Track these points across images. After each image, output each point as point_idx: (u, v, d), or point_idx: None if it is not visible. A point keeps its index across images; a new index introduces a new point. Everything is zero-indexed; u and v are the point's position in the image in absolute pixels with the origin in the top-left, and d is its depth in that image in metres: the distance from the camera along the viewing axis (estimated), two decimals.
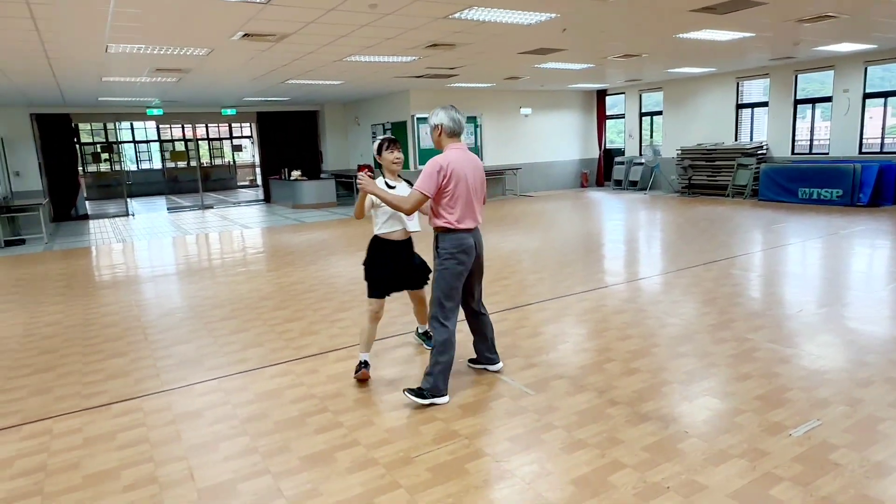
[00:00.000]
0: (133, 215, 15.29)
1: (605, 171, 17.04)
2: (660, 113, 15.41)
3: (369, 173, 3.42)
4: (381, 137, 3.82)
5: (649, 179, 15.28)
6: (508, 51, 8.85)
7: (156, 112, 15.20)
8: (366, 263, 3.80)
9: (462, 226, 3.33)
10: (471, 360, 3.90)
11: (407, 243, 3.84)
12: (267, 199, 17.28)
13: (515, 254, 7.80)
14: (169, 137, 23.45)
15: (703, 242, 7.97)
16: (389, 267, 3.75)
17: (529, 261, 7.32)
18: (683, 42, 8.72)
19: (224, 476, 2.74)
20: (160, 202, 19.12)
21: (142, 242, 10.63)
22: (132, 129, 22.75)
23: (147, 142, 23.43)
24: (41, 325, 5.43)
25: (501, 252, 7.94)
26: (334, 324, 5.03)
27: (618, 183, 16.20)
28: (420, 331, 4.41)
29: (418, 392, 3.35)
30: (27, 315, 5.79)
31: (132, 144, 23.17)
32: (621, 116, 16.71)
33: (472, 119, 14.98)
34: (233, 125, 23.28)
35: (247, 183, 24.41)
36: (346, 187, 16.51)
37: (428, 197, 3.27)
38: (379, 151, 3.76)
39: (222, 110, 16.14)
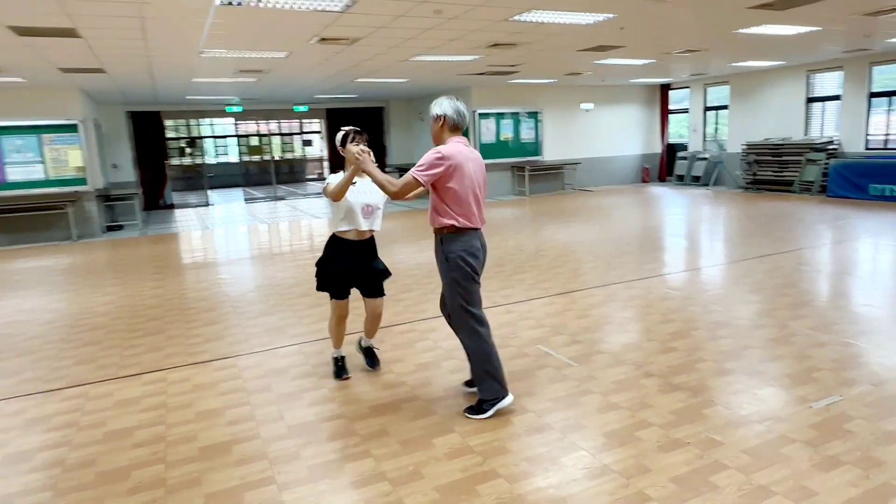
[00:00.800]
0: (212, 205, 16.47)
1: (667, 166, 16.90)
2: (725, 107, 15.16)
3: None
4: (346, 128, 3.50)
5: (713, 175, 15.08)
6: (568, 48, 9.12)
7: (235, 109, 16.31)
8: (319, 263, 3.65)
9: (470, 225, 3.11)
10: (466, 382, 3.54)
11: (367, 243, 3.64)
12: None
13: (570, 245, 8.11)
14: (245, 133, 24.85)
15: (762, 237, 8.00)
16: (346, 266, 3.58)
17: (583, 251, 7.62)
18: (746, 37, 8.72)
19: (308, 417, 3.28)
20: (237, 193, 20.39)
21: (222, 229, 11.58)
22: (212, 125, 24.27)
23: (225, 137, 24.93)
24: (146, 297, 6.23)
25: (556, 243, 8.26)
26: (398, 303, 5.54)
27: (680, 178, 16.05)
28: (364, 344, 3.95)
29: (478, 409, 3.19)
30: (133, 290, 6.63)
31: (212, 139, 24.72)
32: (685, 111, 16.51)
33: (533, 114, 15.24)
34: (303, 121, 24.40)
35: (315, 176, 25.52)
36: None
37: (420, 184, 3.05)
38: (343, 143, 3.45)
39: (295, 107, 17.09)
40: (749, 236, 8.13)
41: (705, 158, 15.28)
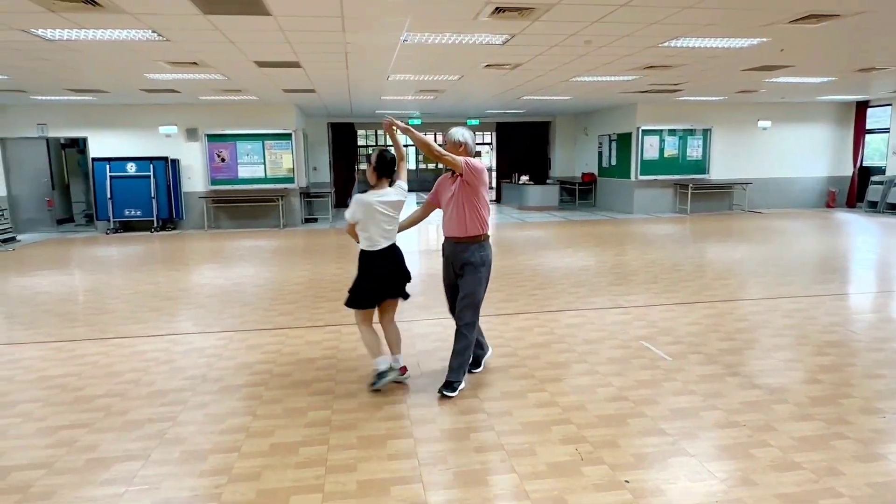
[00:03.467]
0: None
1: (858, 191, 15.38)
2: None
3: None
4: (381, 149, 3.77)
5: None
6: (729, 69, 9.14)
7: (415, 122, 18.25)
8: (358, 279, 3.78)
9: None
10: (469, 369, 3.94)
11: (393, 249, 3.82)
12: (498, 199, 19.32)
13: (719, 261, 8.20)
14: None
15: None
16: (380, 279, 3.76)
17: (734, 268, 7.70)
18: None
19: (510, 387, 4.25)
20: (411, 197, 22.53)
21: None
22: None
23: (406, 146, 27.55)
24: (329, 274, 7.77)
25: (702, 258, 8.40)
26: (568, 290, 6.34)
27: (872, 204, 14.53)
28: (397, 365, 3.87)
29: (451, 387, 3.67)
30: (320, 269, 8.24)
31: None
32: (885, 130, 14.90)
33: (701, 132, 14.95)
34: (479, 133, 26.05)
35: None
36: (570, 193, 17.69)
37: (461, 171, 3.56)
38: (384, 167, 3.74)
39: (468, 121, 18.58)
40: None
41: None
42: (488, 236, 3.73)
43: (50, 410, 3.65)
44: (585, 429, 3.28)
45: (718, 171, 15.17)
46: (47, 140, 13.46)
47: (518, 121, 18.37)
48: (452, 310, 3.90)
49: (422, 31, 6.13)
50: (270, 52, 7.18)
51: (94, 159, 12.72)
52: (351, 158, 18.35)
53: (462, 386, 3.77)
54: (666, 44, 7.00)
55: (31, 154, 13.41)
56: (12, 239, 11.57)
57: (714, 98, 13.62)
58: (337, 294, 6.60)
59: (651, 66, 8.72)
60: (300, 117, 14.34)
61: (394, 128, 3.73)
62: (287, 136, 13.32)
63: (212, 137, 13.08)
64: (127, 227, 12.98)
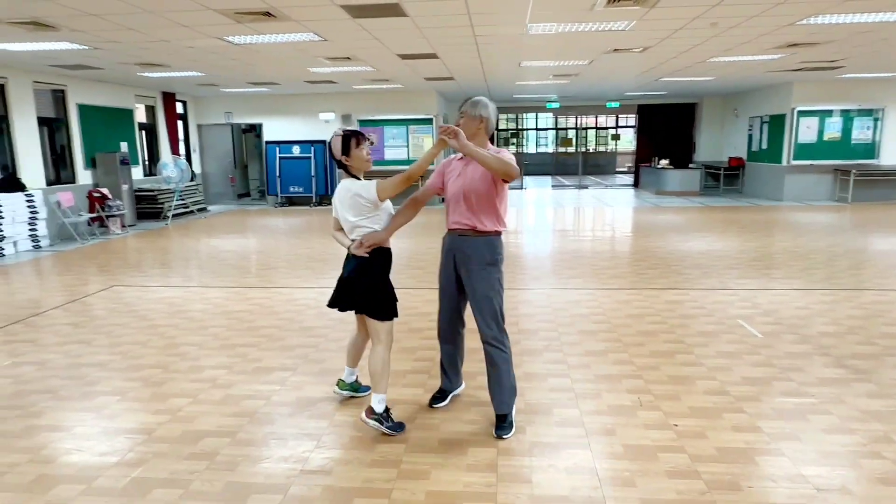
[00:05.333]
0: (525, 189, 19.02)
1: None
2: None
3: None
4: (346, 129, 3.02)
5: None
6: (893, 42, 8.36)
7: (553, 106, 18.45)
8: (385, 281, 3.11)
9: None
10: (439, 395, 3.39)
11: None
12: (636, 184, 18.94)
13: (885, 253, 7.72)
14: (564, 126, 27.18)
15: None
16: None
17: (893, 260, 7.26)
18: None
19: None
20: (547, 180, 22.79)
21: (529, 209, 13.76)
22: (536, 118, 27.24)
23: (545, 129, 27.68)
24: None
25: (846, 246, 7.94)
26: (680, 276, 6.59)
27: None
28: (349, 379, 3.47)
29: (508, 423, 3.06)
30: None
31: (535, 132, 27.75)
32: None
33: (866, 112, 13.51)
34: (619, 116, 25.49)
35: (625, 169, 26.41)
36: (714, 178, 16.88)
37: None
38: (347, 150, 2.96)
39: (607, 104, 18.38)
40: None
41: None
42: (499, 233, 3.08)
43: (231, 333, 4.80)
44: (652, 384, 3.66)
45: (891, 156, 13.62)
46: (232, 126, 15.81)
47: (660, 103, 17.81)
48: (447, 318, 3.22)
49: (543, 21, 6.57)
50: (410, 46, 8.03)
51: (266, 142, 14.76)
52: (490, 141, 19.04)
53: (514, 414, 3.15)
54: (804, 21, 6.72)
55: (219, 138, 15.86)
56: (204, 209, 13.90)
57: (888, 74, 12.26)
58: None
59: (794, 45, 8.28)
60: (441, 103, 15.30)
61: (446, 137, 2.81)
62: (428, 121, 14.35)
63: (363, 122, 14.50)
64: (291, 201, 14.91)
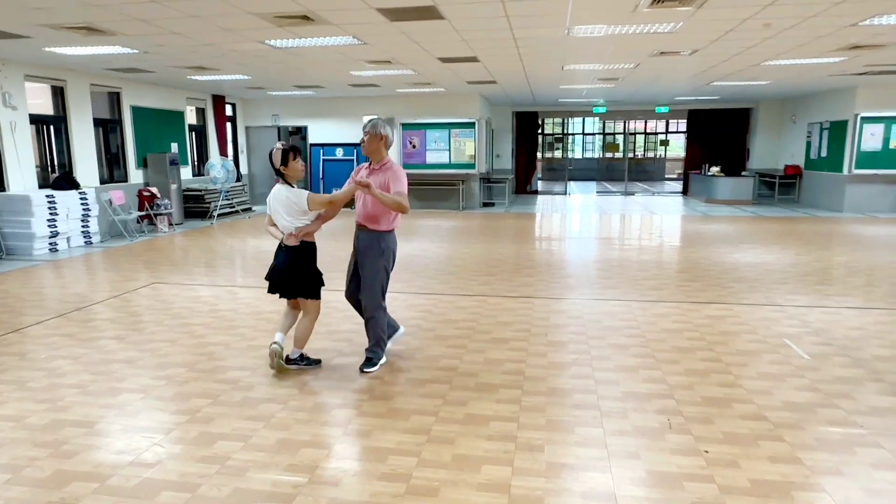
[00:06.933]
0: (570, 195, 18.70)
1: None
2: None
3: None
4: (283, 145, 3.77)
5: None
6: None
7: (600, 110, 18.06)
8: (313, 267, 4.01)
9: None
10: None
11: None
12: (685, 191, 18.32)
13: None
14: (611, 131, 26.62)
15: None
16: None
17: None
18: None
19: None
20: (592, 186, 22.34)
21: (571, 215, 13.49)
22: (583, 122, 26.77)
23: (592, 134, 27.18)
24: (494, 252, 8.41)
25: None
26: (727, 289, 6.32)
27: None
28: (294, 356, 4.02)
29: (371, 364, 4.01)
30: (488, 247, 8.93)
31: (581, 136, 27.29)
32: None
33: None
34: (669, 121, 24.76)
35: (674, 176, 25.63)
36: (769, 187, 16.16)
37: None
38: (285, 161, 3.71)
39: (656, 108, 17.87)
40: None
41: None
42: (391, 230, 4.03)
43: (257, 334, 4.83)
44: (684, 405, 3.45)
45: None
46: (278, 128, 16.12)
47: (712, 108, 17.19)
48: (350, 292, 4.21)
49: (584, 23, 6.38)
50: (450, 50, 7.96)
51: (311, 145, 14.98)
52: (533, 145, 18.83)
53: (381, 362, 4.08)
54: (867, 22, 6.31)
55: (266, 139, 16.16)
56: (249, 209, 14.21)
57: None
58: (493, 269, 7.22)
59: (857, 47, 7.81)
60: (485, 107, 15.19)
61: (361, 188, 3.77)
62: (470, 125, 14.26)
63: (406, 126, 14.54)
64: None
